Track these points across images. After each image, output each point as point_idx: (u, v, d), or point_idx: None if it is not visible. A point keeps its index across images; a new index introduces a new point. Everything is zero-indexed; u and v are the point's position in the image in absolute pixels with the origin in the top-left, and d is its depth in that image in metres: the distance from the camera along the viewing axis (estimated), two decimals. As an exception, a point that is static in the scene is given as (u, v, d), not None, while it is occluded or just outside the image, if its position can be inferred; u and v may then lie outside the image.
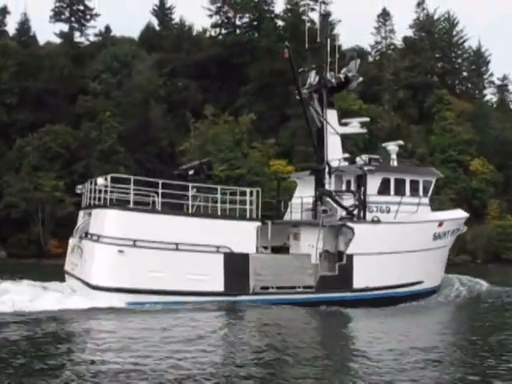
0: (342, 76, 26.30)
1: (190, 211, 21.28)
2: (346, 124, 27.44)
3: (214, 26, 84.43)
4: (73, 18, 78.50)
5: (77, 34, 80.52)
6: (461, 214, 28.13)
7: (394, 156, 26.56)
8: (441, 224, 25.67)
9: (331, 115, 26.04)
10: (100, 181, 20.75)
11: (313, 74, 27.10)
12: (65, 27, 79.38)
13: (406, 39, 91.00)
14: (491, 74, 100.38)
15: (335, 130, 25.90)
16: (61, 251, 61.01)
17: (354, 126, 27.62)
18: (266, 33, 77.75)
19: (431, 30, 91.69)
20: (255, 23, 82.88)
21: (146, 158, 71.91)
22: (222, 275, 20.57)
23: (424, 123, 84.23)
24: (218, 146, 69.86)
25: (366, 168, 24.26)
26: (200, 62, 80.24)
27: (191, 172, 23.10)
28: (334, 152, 25.58)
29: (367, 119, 30.30)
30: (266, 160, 69.84)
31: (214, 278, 20.41)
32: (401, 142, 27.76)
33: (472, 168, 77.71)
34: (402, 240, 23.87)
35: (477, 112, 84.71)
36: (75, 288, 21.17)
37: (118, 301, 19.09)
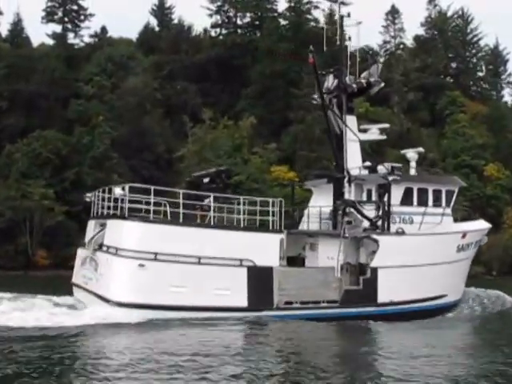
0: (363, 81, 26.03)
1: (212, 223, 21.10)
2: (365, 130, 27.34)
3: (214, 26, 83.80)
4: (66, 19, 78.02)
5: (71, 35, 79.97)
6: (483, 224, 28.30)
7: (413, 164, 26.45)
8: (464, 235, 25.71)
9: (351, 121, 25.86)
10: (117, 190, 20.44)
11: (330, 77, 26.64)
12: (58, 28, 79.07)
13: (417, 38, 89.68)
14: (510, 74, 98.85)
15: (357, 136, 25.77)
16: (49, 262, 60.78)
17: (374, 133, 27.50)
18: (267, 32, 76.85)
19: (444, 27, 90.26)
20: (257, 23, 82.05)
21: (142, 165, 71.25)
22: (246, 290, 20.43)
23: (436, 126, 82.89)
24: (217, 151, 69.08)
25: (390, 178, 24.21)
26: (199, 63, 79.57)
27: (206, 180, 22.80)
28: (354, 160, 25.54)
29: (387, 125, 30.21)
30: (266, 166, 68.95)
31: (237, 292, 20.26)
32: (421, 150, 27.81)
33: (486, 173, 76.09)
34: (427, 252, 23.88)
35: (492, 114, 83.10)
36: (89, 303, 20.67)
37: (139, 317, 18.82)
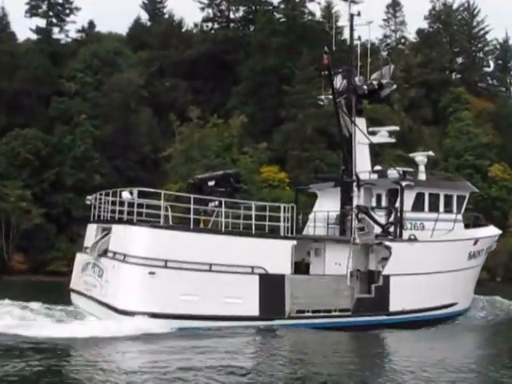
0: (375, 82, 25.99)
1: (223, 229, 21.08)
2: (373, 133, 27.32)
3: (206, 20, 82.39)
4: (51, 13, 76.90)
5: (56, 30, 78.92)
6: (494, 231, 28.82)
7: (422, 168, 26.47)
8: (476, 242, 26.10)
9: (360, 124, 25.76)
10: (125, 194, 20.32)
11: (339, 78, 26.48)
12: (42, 22, 78.02)
13: (420, 32, 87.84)
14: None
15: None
16: (26, 267, 59.84)
17: (383, 135, 27.45)
18: (259, 26, 75.49)
19: (449, 21, 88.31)
20: (250, 17, 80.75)
21: (127, 166, 70.29)
22: (257, 298, 20.43)
23: (439, 125, 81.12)
24: (205, 151, 67.85)
25: (404, 183, 24.16)
26: (190, 59, 78.39)
27: (211, 183, 22.59)
28: (363, 163, 25.48)
29: (396, 128, 30.58)
30: (257, 166, 67.67)
31: (248, 301, 20.25)
32: (430, 153, 28.13)
33: (491, 174, 74.17)
34: (440, 260, 24.19)
35: (499, 111, 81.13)
36: (92, 311, 20.55)
37: (148, 326, 18.78)
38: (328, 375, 14.45)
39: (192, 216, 19.90)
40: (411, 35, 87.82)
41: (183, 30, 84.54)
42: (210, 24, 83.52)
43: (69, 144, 66.12)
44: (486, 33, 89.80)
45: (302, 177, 67.12)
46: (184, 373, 13.76)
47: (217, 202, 21.23)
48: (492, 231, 28.72)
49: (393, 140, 28.30)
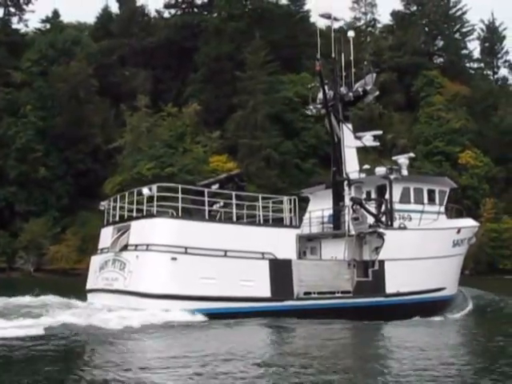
0: (360, 89, 27.95)
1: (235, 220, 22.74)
2: (358, 138, 28.92)
3: (168, 6, 77.97)
4: (9, 2, 73.41)
5: (15, 20, 75.36)
6: (473, 222, 30.56)
7: (404, 168, 28.09)
8: (459, 231, 27.85)
9: (348, 129, 27.67)
10: (145, 190, 21.53)
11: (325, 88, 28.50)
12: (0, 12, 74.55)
13: (394, 14, 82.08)
14: (506, 52, 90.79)
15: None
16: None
17: (368, 139, 28.99)
18: (218, 10, 70.86)
19: (424, 1, 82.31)
20: (214, 2, 75.83)
21: (77, 158, 66.69)
22: (268, 281, 22.18)
23: (411, 110, 75.70)
24: (154, 141, 63.82)
25: (392, 176, 26.26)
26: (150, 47, 74.30)
27: (215, 186, 23.99)
28: (352, 165, 27.68)
29: (380, 132, 31.77)
30: (209, 156, 63.41)
31: (260, 283, 22.02)
32: (412, 155, 29.95)
33: (461, 161, 68.61)
34: (427, 246, 26.02)
35: (474, 95, 75.29)
36: (115, 303, 21.08)
37: (172, 307, 19.98)
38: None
39: (206, 208, 21.37)
40: (384, 17, 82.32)
41: (145, 17, 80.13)
42: (172, 10, 79.14)
43: (13, 136, 62.58)
44: (464, 13, 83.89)
45: (252, 166, 62.84)
46: (194, 366, 12.84)
47: (222, 203, 22.80)
48: (471, 222, 30.01)
49: (377, 144, 29.34)
